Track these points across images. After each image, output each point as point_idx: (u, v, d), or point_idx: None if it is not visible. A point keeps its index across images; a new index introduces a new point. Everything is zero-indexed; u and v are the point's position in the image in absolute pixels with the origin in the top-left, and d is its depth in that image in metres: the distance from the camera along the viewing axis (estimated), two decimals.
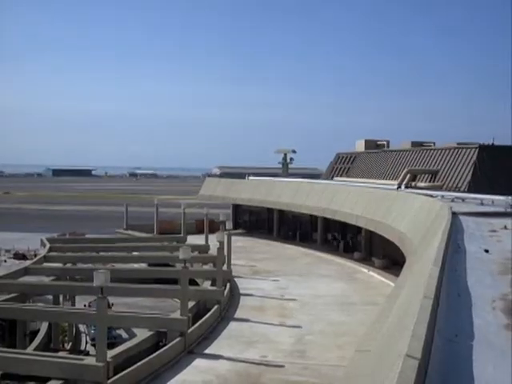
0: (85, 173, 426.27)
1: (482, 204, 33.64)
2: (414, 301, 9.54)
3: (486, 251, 16.77)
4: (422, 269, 13.48)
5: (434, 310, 8.55)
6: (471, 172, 52.37)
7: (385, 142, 77.18)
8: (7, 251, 71.84)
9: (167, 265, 45.10)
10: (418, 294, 9.72)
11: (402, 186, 50.58)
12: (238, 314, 31.03)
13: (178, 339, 23.96)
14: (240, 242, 55.85)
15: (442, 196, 37.19)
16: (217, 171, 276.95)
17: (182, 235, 54.81)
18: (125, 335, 36.99)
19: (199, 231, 58.46)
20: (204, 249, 47.23)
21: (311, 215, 57.77)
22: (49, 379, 19.31)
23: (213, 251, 43.12)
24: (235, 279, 38.71)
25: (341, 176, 75.45)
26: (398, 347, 7.01)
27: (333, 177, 76.74)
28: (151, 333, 24.79)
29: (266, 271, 43.91)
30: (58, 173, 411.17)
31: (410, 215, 32.73)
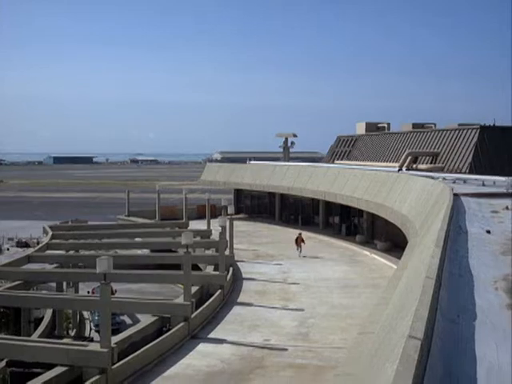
0: (86, 160, 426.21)
1: (483, 185, 33.59)
2: (416, 282, 9.56)
3: (488, 232, 16.77)
4: (424, 250, 13.50)
5: (436, 291, 8.56)
6: (472, 153, 52.23)
7: (385, 125, 76.96)
8: (10, 239, 72.17)
9: (170, 250, 45.22)
10: (420, 275, 9.73)
11: (403, 169, 50.53)
12: (241, 298, 31.13)
13: (181, 324, 24.07)
14: (242, 226, 55.94)
15: (444, 178, 37.14)
16: (218, 156, 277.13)
17: (183, 221, 54.91)
18: (129, 321, 37.21)
19: (201, 216, 58.56)
20: (206, 234, 47.29)
21: (313, 199, 57.77)
22: (54, 366, 19.42)
23: (215, 236, 43.20)
24: (238, 264, 38.78)
25: (342, 159, 75.36)
26: (400, 328, 7.03)
27: (334, 160, 76.65)
28: (155, 318, 24.89)
29: (269, 255, 43.98)
30: (59, 160, 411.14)
31: (412, 197, 32.72)
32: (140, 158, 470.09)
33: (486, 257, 13.54)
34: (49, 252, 42.45)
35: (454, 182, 34.95)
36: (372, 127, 76.96)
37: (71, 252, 42.85)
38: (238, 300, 30.71)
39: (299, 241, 43.45)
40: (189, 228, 48.56)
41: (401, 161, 54.90)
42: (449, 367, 6.67)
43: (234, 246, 39.25)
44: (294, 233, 54.74)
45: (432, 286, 8.34)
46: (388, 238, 44.57)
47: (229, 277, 33.13)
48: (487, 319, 8.63)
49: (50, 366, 19.50)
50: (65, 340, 29.15)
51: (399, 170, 48.51)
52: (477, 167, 49.61)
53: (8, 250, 66.57)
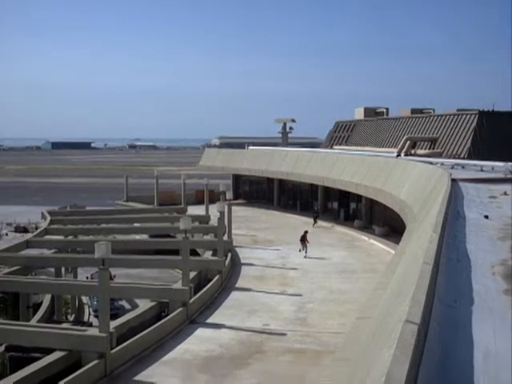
0: (84, 145, 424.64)
1: (481, 170, 33.62)
2: (413, 267, 9.57)
3: (486, 217, 16.79)
4: (422, 235, 13.50)
5: (433, 276, 8.58)
6: (471, 138, 52.20)
7: (384, 110, 76.86)
8: (8, 224, 72.13)
9: (168, 235, 45.23)
10: (417, 260, 9.74)
11: (402, 154, 50.51)
12: (240, 283, 31.19)
13: (180, 309, 24.12)
14: (240, 211, 55.91)
15: (442, 163, 37.15)
16: (216, 142, 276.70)
17: (182, 206, 54.90)
18: (127, 306, 37.28)
19: (199, 202, 58.53)
20: (204, 219, 47.30)
21: (311, 184, 57.74)
22: (52, 350, 19.48)
23: (213, 221, 43.19)
24: (236, 249, 38.82)
25: (340, 144, 75.31)
26: (398, 313, 7.04)
27: (332, 145, 76.58)
28: (153, 303, 24.94)
29: (267, 241, 44.00)
30: (57, 146, 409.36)
31: (410, 183, 32.72)
32: (138, 143, 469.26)
33: (484, 242, 13.56)
34: (47, 237, 42.46)
35: (453, 168, 34.98)
36: (370, 112, 76.84)
37: (70, 237, 42.88)
38: (237, 285, 30.76)
39: (305, 240, 38.62)
40: (187, 213, 48.56)
41: (399, 146, 54.89)
42: (446, 352, 6.69)
43: (233, 231, 39.27)
44: (292, 218, 54.99)
45: (430, 272, 8.35)
46: (386, 223, 44.61)
47: (227, 262, 33.18)
48: (484, 304, 8.65)
49: (48, 351, 19.57)
50: (64, 325, 29.21)
51: (398, 156, 48.52)
52: (475, 152, 49.60)
53: (6, 235, 66.56)
